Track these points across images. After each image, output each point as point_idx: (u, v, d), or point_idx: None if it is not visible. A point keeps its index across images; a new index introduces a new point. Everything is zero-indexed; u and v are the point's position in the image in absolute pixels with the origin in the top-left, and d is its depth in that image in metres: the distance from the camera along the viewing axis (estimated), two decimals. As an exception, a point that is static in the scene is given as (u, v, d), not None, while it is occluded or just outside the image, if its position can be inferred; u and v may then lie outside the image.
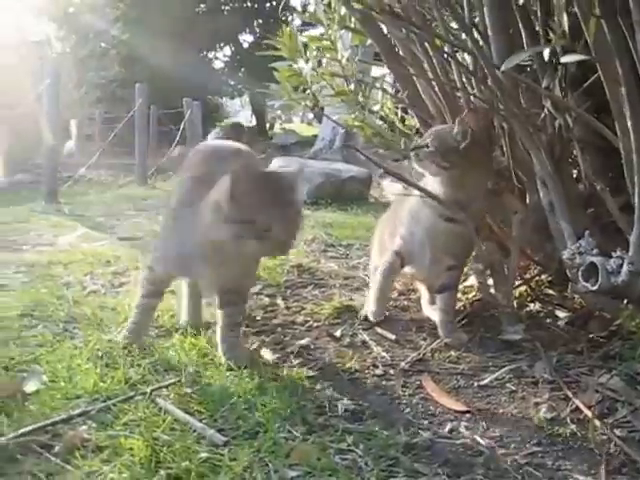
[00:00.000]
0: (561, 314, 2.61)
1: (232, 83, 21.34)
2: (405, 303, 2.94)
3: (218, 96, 21.71)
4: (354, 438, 1.70)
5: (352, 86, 3.08)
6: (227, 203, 1.89)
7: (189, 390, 1.96)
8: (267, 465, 1.58)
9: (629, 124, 1.83)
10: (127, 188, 8.79)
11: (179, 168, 2.50)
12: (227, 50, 22.60)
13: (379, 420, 1.84)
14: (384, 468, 1.57)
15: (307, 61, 2.95)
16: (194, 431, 1.73)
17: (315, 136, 13.66)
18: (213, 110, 19.84)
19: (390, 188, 2.75)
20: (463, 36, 2.49)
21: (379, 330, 2.60)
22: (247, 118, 24.68)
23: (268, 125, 24.93)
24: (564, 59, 1.89)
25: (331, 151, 11.39)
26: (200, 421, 1.78)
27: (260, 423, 1.77)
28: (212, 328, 2.50)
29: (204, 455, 1.60)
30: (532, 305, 2.74)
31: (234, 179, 1.87)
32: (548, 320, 2.60)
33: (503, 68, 1.92)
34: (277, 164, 6.88)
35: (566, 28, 2.04)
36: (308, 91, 2.97)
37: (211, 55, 22.39)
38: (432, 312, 2.69)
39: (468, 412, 1.96)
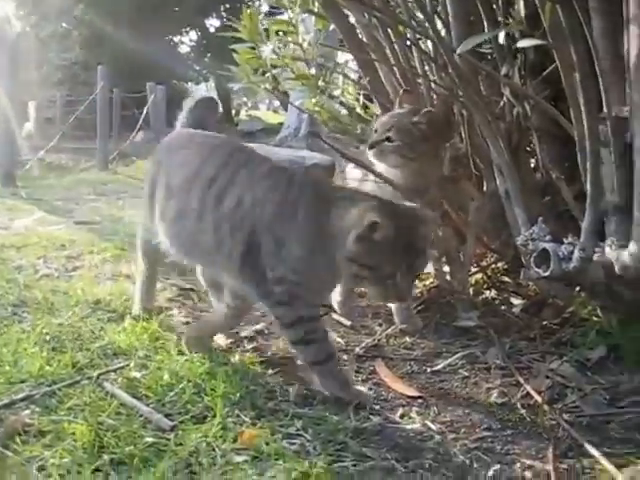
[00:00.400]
0: (516, 301, 2.63)
1: (198, 68, 21.13)
2: (362, 289, 2.92)
3: (184, 81, 21.45)
4: (303, 423, 1.69)
5: (313, 70, 3.05)
6: (354, 244, 1.74)
7: (138, 374, 1.93)
8: (214, 450, 1.55)
9: (582, 110, 1.83)
10: (88, 172, 8.67)
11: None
12: (193, 35, 22.37)
13: (330, 405, 1.82)
14: (332, 452, 1.56)
15: (267, 44, 2.92)
16: (141, 416, 1.69)
17: (281, 124, 13.60)
18: (178, 95, 19.59)
19: (352, 174, 2.72)
20: (426, 23, 2.48)
21: (335, 316, 2.59)
22: (213, 104, 24.34)
23: (234, 112, 24.74)
24: (520, 43, 1.89)
25: (296, 139, 11.36)
26: (147, 406, 1.75)
27: (209, 408, 1.74)
28: (165, 312, 2.48)
29: (149, 440, 1.57)
30: (488, 292, 2.75)
31: (369, 224, 1.70)
32: (503, 307, 2.62)
33: (459, 51, 1.91)
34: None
35: (523, 14, 2.04)
36: (268, 74, 2.94)
37: (177, 39, 22.13)
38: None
39: (420, 397, 1.96)
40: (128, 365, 1.98)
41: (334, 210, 1.83)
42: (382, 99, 2.96)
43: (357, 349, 2.29)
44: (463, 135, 2.68)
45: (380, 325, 2.53)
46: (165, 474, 1.42)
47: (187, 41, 22.65)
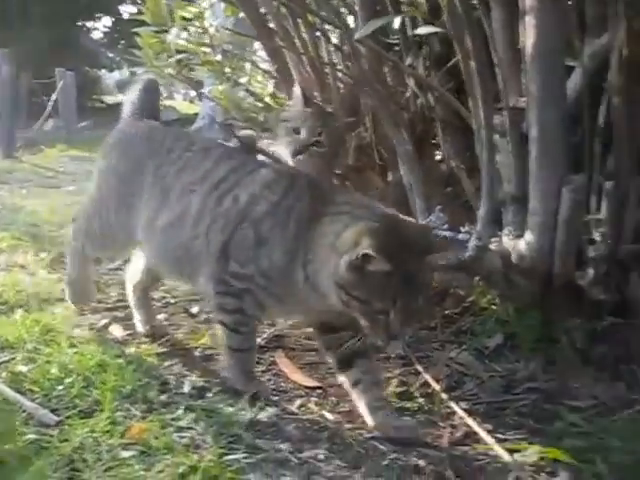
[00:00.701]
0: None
1: (111, 55, 20.54)
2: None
3: (96, 68, 20.83)
4: (196, 415, 1.64)
5: (219, 57, 2.99)
6: (345, 272, 1.56)
7: (24, 368, 1.83)
8: (100, 445, 1.49)
9: (479, 100, 1.85)
10: (-9, 160, 8.25)
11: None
12: (107, 21, 21.73)
13: (226, 397, 1.78)
14: (224, 445, 1.52)
15: (171, 28, 2.83)
16: (24, 411, 1.61)
17: (196, 114, 13.40)
18: (90, 82, 18.96)
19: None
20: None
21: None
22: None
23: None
24: (419, 31, 1.90)
25: (212, 129, 11.20)
26: (32, 401, 1.67)
27: (98, 402, 1.67)
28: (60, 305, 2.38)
29: (31, 436, 1.50)
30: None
31: (363, 254, 1.51)
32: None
33: (357, 36, 1.90)
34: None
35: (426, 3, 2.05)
36: (172, 59, 2.86)
37: (90, 25, 21.46)
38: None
39: (319, 388, 1.95)
40: (14, 359, 1.88)
41: (329, 225, 1.67)
42: (290, 88, 2.93)
43: (258, 340, 2.25)
44: (368, 125, 2.68)
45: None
46: (44, 472, 1.35)
47: (101, 27, 21.99)
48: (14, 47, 10.19)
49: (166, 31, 2.83)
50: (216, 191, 1.88)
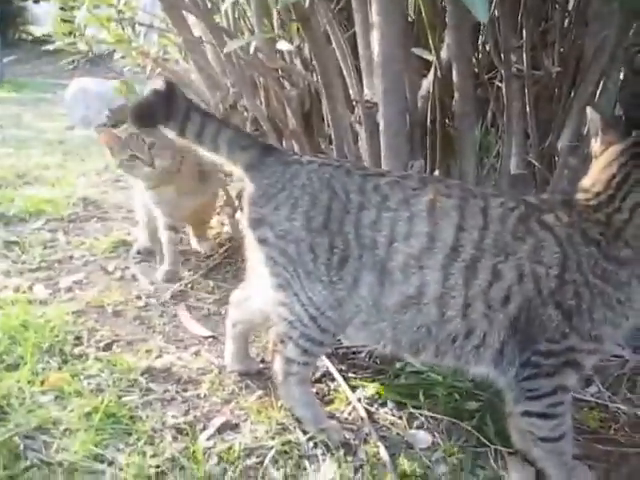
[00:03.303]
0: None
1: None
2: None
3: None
4: (103, 365, 2.02)
5: (130, 32, 3.23)
6: None
7: (-46, 330, 2.17)
8: (24, 393, 1.86)
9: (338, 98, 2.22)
10: None
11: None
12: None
13: (129, 348, 2.17)
14: (123, 388, 1.92)
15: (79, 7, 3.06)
16: (-46, 368, 1.97)
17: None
18: (16, 15, 18.35)
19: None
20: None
21: (147, 263, 2.90)
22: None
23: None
24: (278, 45, 2.22)
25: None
26: (-37, 358, 2.02)
27: (21, 356, 2.03)
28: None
29: (-37, 388, 1.86)
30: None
31: None
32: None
33: (225, 51, 2.22)
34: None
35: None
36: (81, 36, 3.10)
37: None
38: (198, 245, 3.05)
39: (212, 337, 2.33)
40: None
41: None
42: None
43: (164, 295, 2.62)
44: (262, 100, 3.00)
45: (189, 271, 2.86)
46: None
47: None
48: None
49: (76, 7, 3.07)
50: (456, 262, 1.60)
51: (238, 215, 3.16)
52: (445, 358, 1.70)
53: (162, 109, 1.79)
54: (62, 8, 3.07)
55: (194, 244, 3.09)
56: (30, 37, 16.76)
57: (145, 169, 2.60)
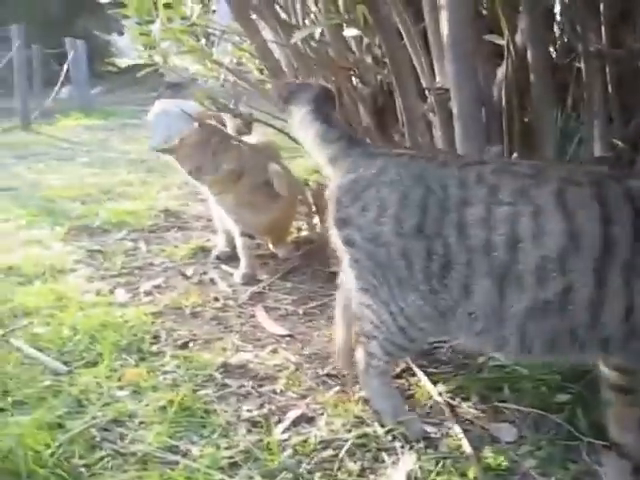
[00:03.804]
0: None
1: (118, 19, 20.62)
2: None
3: (105, 33, 20.98)
4: (179, 362, 2.02)
5: (203, 42, 3.28)
6: None
7: (41, 330, 2.22)
8: (101, 388, 1.87)
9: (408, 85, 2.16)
10: (9, 133, 8.61)
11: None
12: (113, -17, 21.74)
13: (206, 346, 2.16)
14: (198, 383, 1.90)
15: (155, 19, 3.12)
16: (41, 364, 2.00)
17: (208, 75, 13.58)
18: (101, 48, 19.18)
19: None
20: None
21: (225, 267, 2.91)
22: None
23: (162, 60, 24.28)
24: (346, 32, 2.19)
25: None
26: (48, 356, 2.05)
27: (100, 354, 2.05)
28: (71, 273, 2.76)
29: (47, 383, 1.89)
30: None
31: None
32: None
33: (293, 40, 2.20)
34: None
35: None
36: (157, 48, 3.16)
37: (97, -11, 21.52)
38: (275, 249, 3.04)
39: (290, 336, 2.30)
40: (32, 323, 2.27)
41: None
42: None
43: (242, 296, 2.61)
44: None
45: (267, 274, 2.85)
46: (58, 409, 1.74)
47: (108, -10, 22.05)
48: (23, 19, 10.46)
49: (152, 21, 3.13)
50: (612, 261, 1.38)
51: (315, 219, 3.14)
52: (584, 356, 1.56)
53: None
54: (138, 23, 3.13)
55: (272, 248, 3.08)
56: (116, 69, 17.46)
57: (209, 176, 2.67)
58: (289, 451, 1.60)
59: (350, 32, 2.19)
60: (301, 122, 1.74)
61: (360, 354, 1.76)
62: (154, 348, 2.13)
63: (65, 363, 2.02)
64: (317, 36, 2.66)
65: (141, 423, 1.71)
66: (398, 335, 1.63)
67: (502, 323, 1.50)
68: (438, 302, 1.54)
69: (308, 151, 1.80)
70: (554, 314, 1.44)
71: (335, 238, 1.69)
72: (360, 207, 1.59)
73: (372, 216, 1.57)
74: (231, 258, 2.99)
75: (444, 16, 2.03)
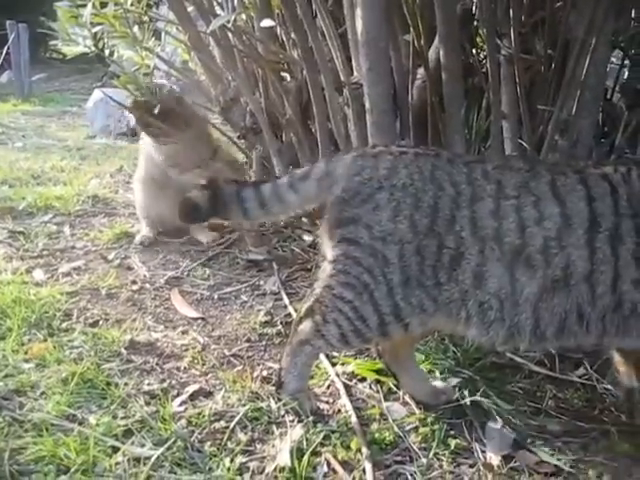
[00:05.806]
0: (307, 237, 3.04)
1: (69, 4, 20.26)
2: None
3: (52, 20, 20.57)
4: (86, 338, 2.06)
5: (136, 29, 3.30)
6: None
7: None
8: (7, 360, 1.90)
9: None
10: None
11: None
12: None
13: (117, 325, 2.20)
14: (103, 358, 1.95)
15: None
16: (-50, 338, 2.02)
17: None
18: (45, 33, 18.77)
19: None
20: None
21: (148, 253, 2.94)
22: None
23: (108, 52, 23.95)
24: (262, 24, 2.26)
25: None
26: (-43, 332, 2.07)
27: (10, 329, 2.07)
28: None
29: (-46, 355, 1.90)
30: (285, 230, 3.15)
31: None
32: (295, 242, 3.04)
33: (209, 30, 2.26)
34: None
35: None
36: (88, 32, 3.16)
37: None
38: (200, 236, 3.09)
39: (202, 319, 2.36)
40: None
41: None
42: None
43: (160, 280, 2.65)
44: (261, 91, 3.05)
45: (188, 259, 2.90)
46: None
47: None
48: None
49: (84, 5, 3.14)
50: (599, 234, 1.56)
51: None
52: (589, 338, 1.64)
53: (208, 204, 1.81)
54: (70, 5, 3.13)
55: (196, 235, 3.12)
56: (61, 56, 17.13)
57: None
58: (183, 421, 1.67)
59: (266, 23, 2.26)
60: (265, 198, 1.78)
61: (307, 328, 1.75)
62: (64, 325, 2.16)
63: (-25, 338, 2.04)
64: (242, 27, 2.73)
65: (42, 394, 1.75)
66: (374, 331, 1.68)
67: (516, 308, 1.60)
68: (443, 294, 1.62)
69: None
70: (562, 293, 1.58)
71: (325, 235, 1.72)
72: (372, 207, 1.63)
73: (387, 215, 1.62)
74: (154, 245, 3.03)
75: (359, 14, 2.12)
